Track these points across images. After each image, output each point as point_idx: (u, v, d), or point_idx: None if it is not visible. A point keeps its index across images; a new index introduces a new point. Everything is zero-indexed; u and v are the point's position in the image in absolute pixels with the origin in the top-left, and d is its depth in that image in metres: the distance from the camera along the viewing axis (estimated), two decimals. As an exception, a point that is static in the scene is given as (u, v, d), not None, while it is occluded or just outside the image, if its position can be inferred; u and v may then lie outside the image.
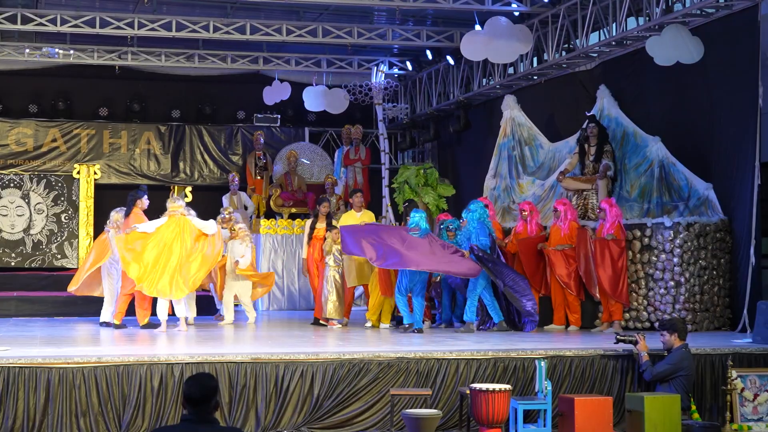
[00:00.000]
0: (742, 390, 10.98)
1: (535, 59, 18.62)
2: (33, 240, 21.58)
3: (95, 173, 21.96)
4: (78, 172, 21.89)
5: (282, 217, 20.54)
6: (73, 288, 15.20)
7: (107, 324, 14.78)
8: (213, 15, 19.31)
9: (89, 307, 15.61)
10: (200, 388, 5.95)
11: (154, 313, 14.49)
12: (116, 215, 15.06)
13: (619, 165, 15.61)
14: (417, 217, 14.44)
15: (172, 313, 14.47)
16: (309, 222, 16.33)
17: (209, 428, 5.86)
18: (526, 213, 15.17)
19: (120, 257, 14.22)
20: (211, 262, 14.47)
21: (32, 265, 21.48)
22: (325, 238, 15.48)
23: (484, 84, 20.03)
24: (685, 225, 13.98)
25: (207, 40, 20.40)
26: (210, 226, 14.52)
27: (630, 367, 11.28)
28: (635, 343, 11.08)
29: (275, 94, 22.20)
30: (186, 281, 14.06)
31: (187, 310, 14.55)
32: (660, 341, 11.16)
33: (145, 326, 14.47)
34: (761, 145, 13.66)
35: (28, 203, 21.69)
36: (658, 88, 15.77)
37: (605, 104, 16.13)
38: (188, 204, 19.38)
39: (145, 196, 15.19)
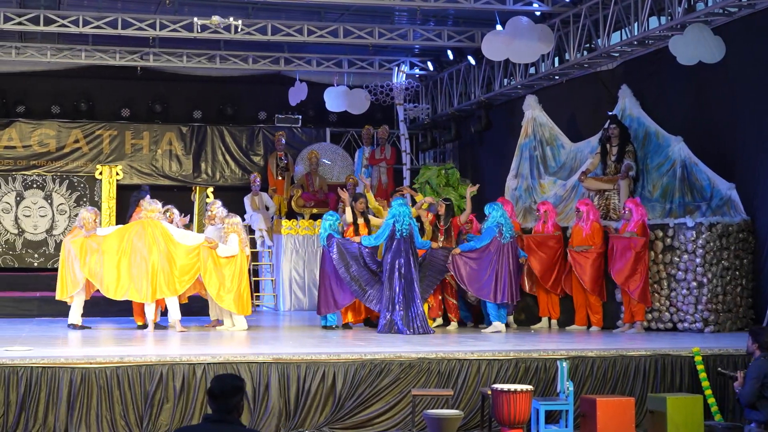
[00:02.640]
0: (765, 391, 10.90)
1: (556, 59, 18.60)
2: (56, 240, 21.67)
3: (117, 174, 22.05)
4: (100, 173, 21.99)
5: (303, 218, 20.55)
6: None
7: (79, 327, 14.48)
8: (234, 15, 19.32)
9: (111, 307, 15.61)
10: (222, 384, 6.00)
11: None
12: (86, 214, 14.58)
13: (641, 165, 15.57)
14: (325, 223, 14.89)
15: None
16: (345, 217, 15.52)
17: (229, 428, 5.88)
18: (541, 213, 15.21)
19: (79, 260, 14.13)
20: (194, 270, 14.31)
21: (55, 266, 21.43)
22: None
23: (505, 84, 20.01)
24: (707, 225, 13.92)
25: (228, 40, 20.45)
26: (188, 237, 14.40)
27: (651, 368, 11.24)
28: (735, 378, 10.62)
29: (298, 94, 22.27)
30: (164, 286, 14.02)
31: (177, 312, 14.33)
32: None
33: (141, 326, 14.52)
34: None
35: (51, 204, 21.80)
36: (680, 88, 15.73)
37: (627, 104, 16.09)
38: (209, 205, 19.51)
39: (148, 197, 15.15)
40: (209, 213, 15.41)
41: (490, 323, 14.48)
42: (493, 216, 14.52)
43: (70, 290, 14.39)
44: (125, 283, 14.03)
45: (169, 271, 14.05)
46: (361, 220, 15.18)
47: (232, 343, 12.76)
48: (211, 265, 14.29)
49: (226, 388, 5.98)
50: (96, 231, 14.31)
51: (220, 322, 14.88)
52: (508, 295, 14.27)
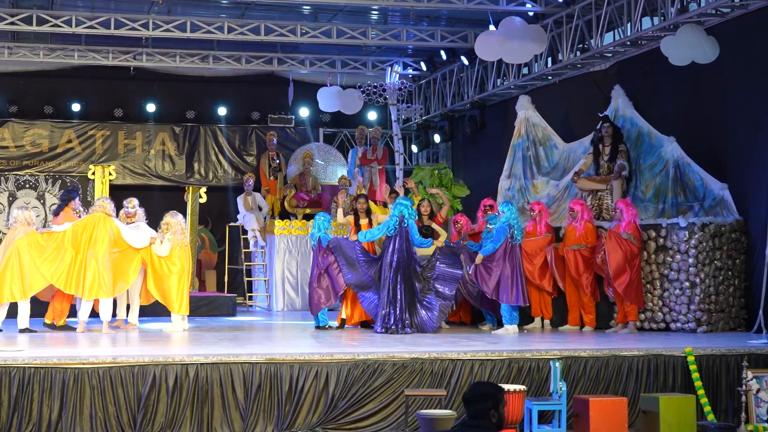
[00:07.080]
0: (758, 391, 10.94)
1: (549, 59, 18.60)
2: (48, 241, 21.61)
3: (110, 174, 21.98)
4: (93, 173, 21.92)
5: (296, 218, 20.54)
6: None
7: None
8: (227, 16, 19.34)
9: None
10: (473, 389, 6.19)
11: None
12: (25, 214, 14.17)
13: (634, 165, 15.58)
14: (316, 224, 14.85)
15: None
16: (349, 218, 15.49)
17: None
18: (535, 213, 15.17)
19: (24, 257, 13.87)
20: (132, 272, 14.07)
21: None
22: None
23: (498, 84, 20.02)
24: (700, 225, 13.94)
25: (221, 40, 20.45)
26: (137, 238, 14.10)
27: (644, 368, 11.24)
28: None
29: (293, 94, 22.35)
30: (106, 283, 13.79)
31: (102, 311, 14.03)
32: None
33: (62, 327, 14.23)
34: (777, 145, 13.64)
35: (44, 204, 21.78)
36: (673, 88, 15.74)
37: (620, 104, 16.10)
38: (202, 205, 19.49)
39: (78, 198, 14.97)
40: (128, 210, 15.04)
41: (492, 323, 14.68)
42: (506, 216, 14.43)
43: (32, 291, 13.95)
44: (80, 279, 13.73)
45: (111, 271, 13.81)
46: (365, 221, 15.13)
47: (224, 343, 12.74)
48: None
49: (475, 393, 6.12)
50: (52, 227, 14.15)
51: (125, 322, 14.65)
52: (521, 298, 14.24)
